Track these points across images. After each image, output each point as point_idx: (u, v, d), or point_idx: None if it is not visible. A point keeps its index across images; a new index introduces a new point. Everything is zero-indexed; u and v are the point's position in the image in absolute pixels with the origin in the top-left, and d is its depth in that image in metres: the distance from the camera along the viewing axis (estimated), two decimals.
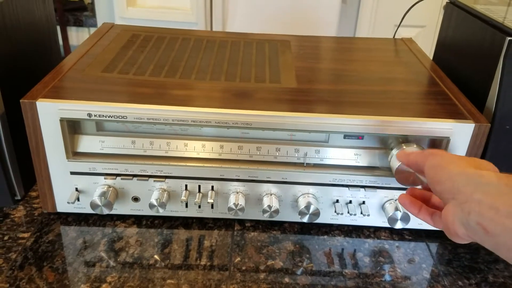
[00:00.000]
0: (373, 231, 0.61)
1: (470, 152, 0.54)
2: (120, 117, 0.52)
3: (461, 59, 0.69)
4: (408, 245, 0.59)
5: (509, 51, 0.54)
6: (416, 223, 0.59)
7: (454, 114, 0.54)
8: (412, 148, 0.52)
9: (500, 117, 0.56)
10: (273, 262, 0.55)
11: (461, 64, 0.69)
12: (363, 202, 0.59)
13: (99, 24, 1.84)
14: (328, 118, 0.53)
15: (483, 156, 0.56)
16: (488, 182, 0.35)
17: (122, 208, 0.59)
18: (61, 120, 0.53)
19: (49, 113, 0.52)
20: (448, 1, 0.73)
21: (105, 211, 0.56)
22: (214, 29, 1.70)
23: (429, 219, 0.45)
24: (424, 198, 0.48)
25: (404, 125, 0.53)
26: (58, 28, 2.01)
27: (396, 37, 0.85)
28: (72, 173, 0.57)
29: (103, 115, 0.52)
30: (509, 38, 0.54)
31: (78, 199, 0.58)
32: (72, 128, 0.55)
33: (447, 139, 0.53)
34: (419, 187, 0.50)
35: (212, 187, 0.58)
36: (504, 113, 0.55)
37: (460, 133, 0.53)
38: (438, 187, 0.40)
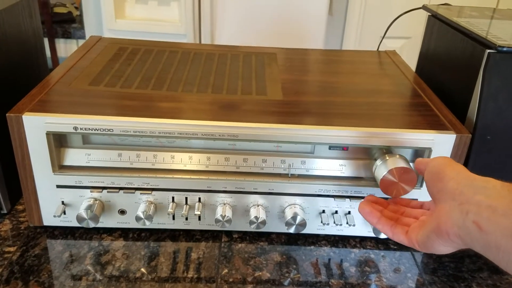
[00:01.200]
0: (359, 241, 0.62)
1: None
2: (106, 130, 0.52)
3: (443, 71, 0.70)
4: (393, 254, 0.60)
5: (489, 64, 0.56)
6: None
7: (436, 125, 0.55)
8: (395, 159, 0.52)
9: (481, 128, 0.57)
10: (260, 273, 0.55)
11: (443, 76, 0.70)
12: (349, 212, 0.59)
13: (88, 36, 1.84)
14: (314, 130, 0.54)
15: (465, 166, 0.57)
16: (491, 186, 0.36)
17: (108, 221, 0.59)
18: (47, 133, 0.53)
19: (35, 127, 0.52)
20: (430, 14, 0.75)
21: (91, 225, 0.56)
22: (202, 41, 1.71)
23: (388, 229, 0.46)
24: (381, 205, 0.50)
25: (388, 136, 0.54)
26: (46, 40, 2.00)
27: (382, 48, 0.86)
28: (58, 186, 0.56)
29: (89, 128, 0.52)
30: (488, 51, 0.56)
31: (64, 213, 0.58)
32: (58, 141, 0.55)
33: (429, 150, 0.54)
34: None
35: (199, 199, 0.58)
36: (485, 124, 0.57)
37: (442, 143, 0.54)
38: (439, 184, 0.41)
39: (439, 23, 0.72)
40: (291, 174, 0.58)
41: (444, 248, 0.40)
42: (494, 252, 0.34)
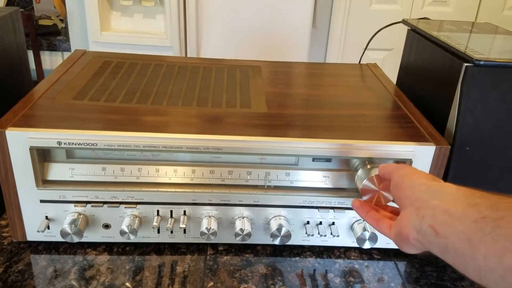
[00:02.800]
0: (343, 251, 0.62)
1: (432, 173, 0.56)
2: (90, 144, 0.52)
3: (423, 84, 0.72)
4: (377, 264, 0.60)
5: (466, 77, 0.57)
6: (384, 242, 0.61)
7: (416, 137, 0.57)
8: (376, 168, 0.53)
9: (460, 140, 0.58)
10: (245, 285, 0.55)
11: (422, 88, 0.72)
12: (333, 223, 0.60)
13: (73, 48, 1.84)
14: (297, 142, 0.55)
15: (445, 177, 0.58)
16: (447, 191, 0.38)
17: (92, 236, 0.59)
18: (31, 148, 0.53)
19: (19, 142, 0.52)
20: (409, 28, 0.77)
21: (75, 239, 0.56)
22: (188, 53, 1.71)
23: (375, 223, 0.48)
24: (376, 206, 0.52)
25: (369, 148, 0.55)
26: (31, 52, 1.99)
27: (366, 59, 0.88)
28: (42, 201, 0.56)
29: (73, 143, 0.52)
30: (466, 65, 0.58)
31: (48, 227, 0.58)
32: (42, 156, 0.55)
33: (410, 161, 0.55)
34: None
35: (184, 212, 0.58)
36: (464, 135, 0.58)
37: (422, 155, 0.55)
38: (399, 193, 0.43)
39: (418, 37, 0.74)
40: (267, 186, 0.58)
41: (409, 249, 0.42)
42: (452, 256, 0.35)
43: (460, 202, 0.35)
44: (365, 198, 0.53)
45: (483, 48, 0.63)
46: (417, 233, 0.38)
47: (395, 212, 0.51)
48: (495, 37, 0.73)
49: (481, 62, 0.56)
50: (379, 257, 0.62)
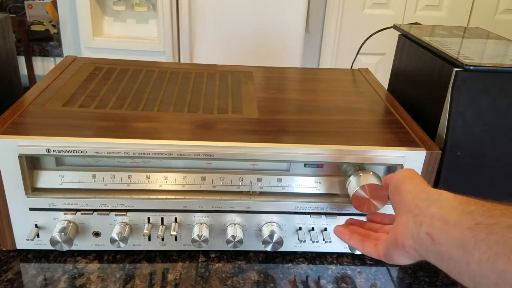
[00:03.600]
0: (336, 257, 0.62)
1: (424, 178, 0.56)
2: (79, 151, 0.52)
3: (414, 89, 0.72)
4: (369, 270, 0.60)
5: (457, 82, 0.57)
6: None
7: (407, 142, 0.57)
8: (368, 175, 0.53)
9: (451, 144, 0.59)
10: None
11: (413, 93, 0.72)
12: (325, 229, 0.60)
13: (65, 54, 1.83)
14: (289, 148, 0.55)
15: (436, 181, 0.58)
16: (444, 199, 0.38)
17: (82, 244, 0.58)
18: (20, 156, 0.52)
19: (8, 150, 0.52)
20: (400, 33, 0.77)
21: (65, 248, 0.55)
22: (182, 58, 1.71)
23: (359, 244, 0.48)
24: (357, 225, 0.52)
25: (360, 154, 0.55)
26: (23, 58, 1.98)
27: (359, 63, 0.88)
28: (31, 209, 0.56)
29: (62, 150, 0.52)
30: (456, 70, 0.58)
31: (38, 236, 0.57)
32: (31, 164, 0.55)
33: (401, 166, 0.55)
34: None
35: (176, 219, 0.58)
36: (455, 140, 0.58)
37: (413, 160, 0.55)
38: (398, 197, 0.42)
39: (409, 42, 0.74)
40: (252, 192, 0.58)
41: (402, 259, 0.42)
42: (446, 263, 0.35)
43: (455, 210, 0.36)
44: (355, 206, 0.53)
45: (474, 53, 0.63)
46: (413, 240, 0.38)
47: (383, 222, 0.52)
48: (487, 42, 0.74)
49: (471, 67, 0.57)
50: (371, 262, 0.61)
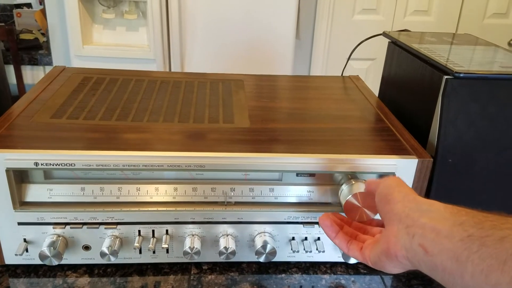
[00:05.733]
0: (330, 267, 0.62)
1: (416, 186, 0.56)
2: (68, 164, 0.51)
3: (404, 96, 0.72)
4: (363, 279, 0.60)
5: (447, 90, 0.58)
6: None
7: (398, 150, 0.57)
8: (360, 184, 0.53)
9: (442, 152, 0.58)
10: None
11: (404, 100, 0.72)
12: (318, 238, 0.59)
13: (55, 62, 1.82)
14: (281, 158, 0.54)
15: (428, 189, 0.58)
16: (435, 209, 0.38)
17: (72, 258, 0.57)
18: (7, 170, 0.51)
19: None
20: (390, 41, 0.77)
21: (55, 262, 0.54)
22: (172, 65, 1.70)
23: (344, 245, 0.47)
24: (344, 223, 0.51)
25: (352, 162, 0.54)
26: (12, 67, 1.96)
27: (349, 69, 0.88)
28: (19, 223, 0.55)
29: (50, 164, 0.51)
30: (446, 77, 0.58)
31: (26, 250, 0.56)
32: (19, 177, 0.54)
33: (393, 174, 0.55)
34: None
35: (167, 231, 0.57)
36: (446, 147, 0.58)
37: (405, 168, 0.55)
38: (387, 207, 0.42)
39: (399, 49, 0.74)
40: (227, 202, 0.57)
41: (393, 269, 0.41)
42: (440, 274, 0.35)
43: (447, 220, 0.36)
44: (347, 214, 0.52)
45: (463, 60, 0.63)
46: (406, 251, 0.38)
47: (373, 223, 0.51)
48: (475, 48, 0.74)
49: (461, 75, 0.57)
50: (365, 271, 0.61)
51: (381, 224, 0.51)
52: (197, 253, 0.56)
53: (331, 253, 0.60)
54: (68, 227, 0.55)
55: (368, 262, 0.44)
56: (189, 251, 0.55)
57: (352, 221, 0.52)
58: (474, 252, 0.32)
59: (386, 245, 0.40)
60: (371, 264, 0.44)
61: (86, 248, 0.57)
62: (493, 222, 0.33)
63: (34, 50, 2.04)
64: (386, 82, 0.80)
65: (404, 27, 0.91)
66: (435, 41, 0.75)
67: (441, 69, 0.60)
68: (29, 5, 2.30)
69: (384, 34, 0.78)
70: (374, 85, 0.83)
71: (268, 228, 0.58)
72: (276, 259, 0.58)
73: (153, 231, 0.57)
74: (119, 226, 0.56)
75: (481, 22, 2.05)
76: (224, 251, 0.56)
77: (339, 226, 0.49)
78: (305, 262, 0.62)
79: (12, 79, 1.98)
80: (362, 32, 0.89)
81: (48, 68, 1.98)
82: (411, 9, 1.99)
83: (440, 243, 0.35)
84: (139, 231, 0.56)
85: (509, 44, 2.07)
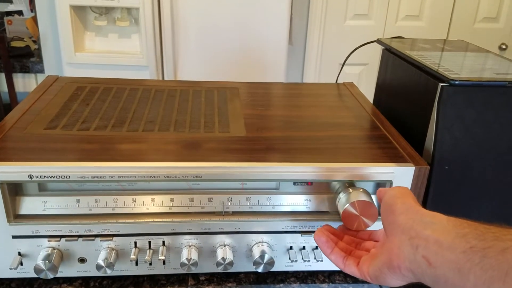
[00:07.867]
0: (328, 276, 0.61)
1: (413, 194, 0.56)
2: (62, 177, 0.50)
3: (399, 103, 0.72)
4: (362, 287, 0.60)
5: (442, 97, 0.58)
6: None
7: (395, 157, 0.57)
8: (358, 192, 0.53)
9: (438, 158, 0.59)
10: None
11: (400, 107, 0.72)
12: (316, 247, 0.59)
13: (46, 70, 1.80)
14: (278, 167, 0.54)
15: (425, 196, 0.58)
16: (438, 221, 0.38)
17: (68, 271, 0.56)
18: (1, 183, 0.50)
19: None
20: (384, 48, 0.78)
21: (50, 276, 0.53)
22: (165, 72, 1.70)
23: (340, 261, 0.47)
24: (336, 237, 0.50)
25: (349, 171, 0.54)
26: (4, 75, 1.95)
27: (342, 74, 0.88)
28: (14, 237, 0.54)
29: (44, 176, 0.50)
30: (441, 84, 0.58)
31: (21, 264, 0.55)
32: (13, 190, 0.53)
33: (390, 182, 0.55)
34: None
35: (163, 242, 0.56)
36: (442, 154, 0.58)
37: (402, 176, 0.55)
38: (390, 217, 0.42)
39: (393, 56, 0.74)
40: (224, 212, 0.57)
41: (395, 281, 0.41)
42: (443, 286, 0.35)
43: (449, 233, 0.36)
44: (345, 222, 0.52)
45: (456, 67, 0.64)
46: (410, 263, 0.38)
47: (364, 236, 0.51)
48: (466, 54, 0.74)
49: (457, 82, 0.57)
50: (363, 280, 0.61)
51: (374, 238, 0.51)
52: (194, 264, 0.55)
53: (329, 262, 0.60)
54: (63, 239, 0.54)
55: (367, 277, 0.44)
56: (186, 262, 0.55)
57: (343, 235, 0.51)
58: (476, 264, 0.32)
59: (388, 257, 0.40)
60: (370, 279, 0.43)
61: (82, 260, 0.56)
62: (495, 234, 0.33)
63: (26, 57, 2.02)
64: (380, 89, 0.80)
65: (396, 32, 0.91)
66: (428, 48, 0.76)
67: (436, 77, 0.60)
68: (20, 13, 2.28)
69: (378, 41, 0.79)
70: (367, 90, 0.83)
71: (265, 237, 0.58)
72: (274, 269, 0.57)
73: (149, 242, 0.56)
74: (115, 238, 0.55)
75: (471, 27, 2.07)
76: (222, 261, 0.55)
77: (333, 241, 0.49)
78: (303, 271, 0.62)
79: (3, 87, 1.96)
80: (354, 38, 0.90)
81: (40, 76, 1.96)
82: (403, 14, 2.00)
83: (443, 255, 0.35)
84: (135, 243, 0.56)
85: (499, 48, 2.09)
